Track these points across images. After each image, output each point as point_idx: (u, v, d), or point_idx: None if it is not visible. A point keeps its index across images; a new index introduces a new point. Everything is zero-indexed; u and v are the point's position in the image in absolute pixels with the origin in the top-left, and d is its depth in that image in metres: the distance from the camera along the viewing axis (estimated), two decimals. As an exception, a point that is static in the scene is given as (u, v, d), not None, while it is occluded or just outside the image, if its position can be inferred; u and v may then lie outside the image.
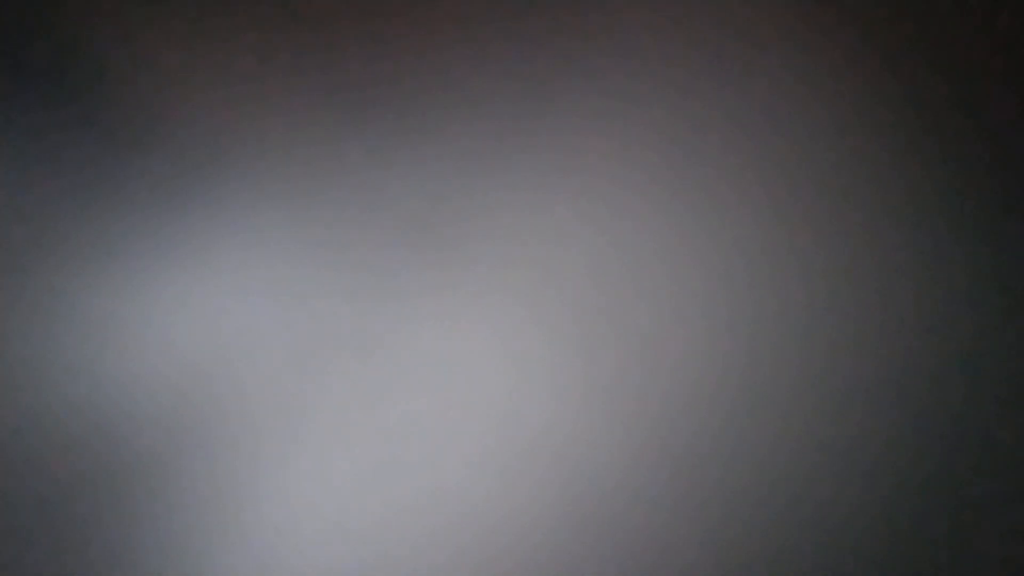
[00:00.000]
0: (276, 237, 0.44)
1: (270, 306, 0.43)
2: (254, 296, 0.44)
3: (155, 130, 0.44)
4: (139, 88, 0.44)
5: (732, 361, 0.43)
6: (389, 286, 0.44)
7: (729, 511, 0.43)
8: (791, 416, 0.43)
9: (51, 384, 0.43)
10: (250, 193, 0.44)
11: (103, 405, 0.43)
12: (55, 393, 0.43)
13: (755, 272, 0.44)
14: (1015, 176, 0.44)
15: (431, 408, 0.43)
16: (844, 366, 0.43)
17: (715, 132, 0.44)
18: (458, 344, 0.43)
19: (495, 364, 0.43)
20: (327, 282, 0.44)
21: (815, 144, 0.44)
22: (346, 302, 0.44)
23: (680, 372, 0.43)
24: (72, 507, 0.43)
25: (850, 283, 0.44)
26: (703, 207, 0.44)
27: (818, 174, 0.44)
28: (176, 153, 0.44)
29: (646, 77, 0.45)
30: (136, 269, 0.44)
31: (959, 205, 0.44)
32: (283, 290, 0.44)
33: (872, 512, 0.43)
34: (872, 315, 0.43)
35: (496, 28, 0.45)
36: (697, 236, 0.44)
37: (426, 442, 0.43)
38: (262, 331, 0.43)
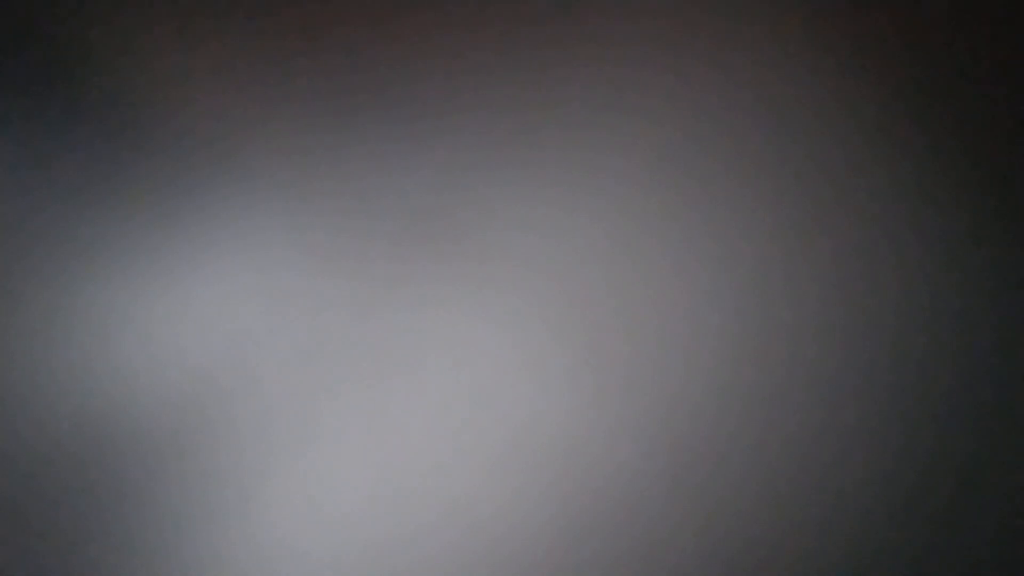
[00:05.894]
0: (278, 239, 0.44)
1: (274, 308, 0.44)
2: (257, 298, 0.44)
3: (156, 132, 0.44)
4: (139, 89, 0.44)
5: (743, 357, 0.43)
6: (394, 287, 0.44)
7: (743, 508, 0.43)
8: (804, 413, 0.43)
9: (53, 385, 0.43)
10: (252, 195, 0.44)
11: (106, 406, 0.43)
12: (57, 394, 0.43)
13: (765, 268, 0.44)
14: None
15: (437, 411, 0.43)
16: (857, 362, 0.43)
17: (723, 128, 0.44)
18: (464, 346, 0.43)
19: (502, 366, 0.43)
20: (331, 283, 0.44)
21: (824, 139, 0.45)
22: (352, 304, 0.44)
23: (690, 370, 0.43)
24: (74, 509, 0.43)
25: (861, 279, 0.44)
26: (712, 204, 0.44)
27: (827, 168, 0.44)
28: (178, 155, 0.44)
29: (653, 72, 0.45)
30: (138, 271, 0.44)
31: (973, 203, 0.44)
32: (287, 292, 0.44)
33: (890, 513, 0.43)
34: (885, 309, 0.44)
35: (499, 29, 0.45)
36: (706, 233, 0.44)
37: (432, 446, 0.43)
38: (266, 333, 0.43)
